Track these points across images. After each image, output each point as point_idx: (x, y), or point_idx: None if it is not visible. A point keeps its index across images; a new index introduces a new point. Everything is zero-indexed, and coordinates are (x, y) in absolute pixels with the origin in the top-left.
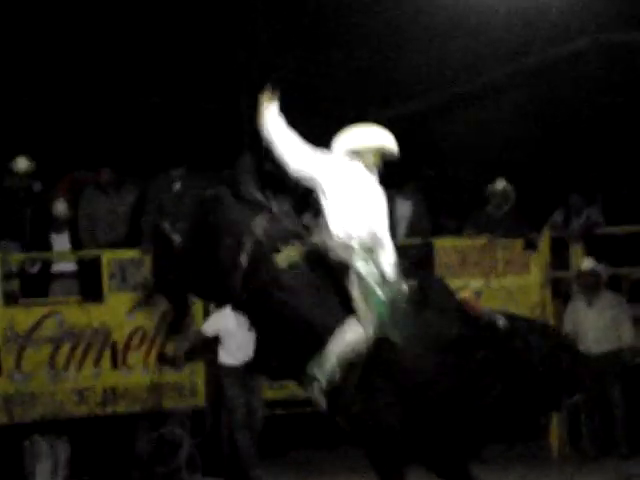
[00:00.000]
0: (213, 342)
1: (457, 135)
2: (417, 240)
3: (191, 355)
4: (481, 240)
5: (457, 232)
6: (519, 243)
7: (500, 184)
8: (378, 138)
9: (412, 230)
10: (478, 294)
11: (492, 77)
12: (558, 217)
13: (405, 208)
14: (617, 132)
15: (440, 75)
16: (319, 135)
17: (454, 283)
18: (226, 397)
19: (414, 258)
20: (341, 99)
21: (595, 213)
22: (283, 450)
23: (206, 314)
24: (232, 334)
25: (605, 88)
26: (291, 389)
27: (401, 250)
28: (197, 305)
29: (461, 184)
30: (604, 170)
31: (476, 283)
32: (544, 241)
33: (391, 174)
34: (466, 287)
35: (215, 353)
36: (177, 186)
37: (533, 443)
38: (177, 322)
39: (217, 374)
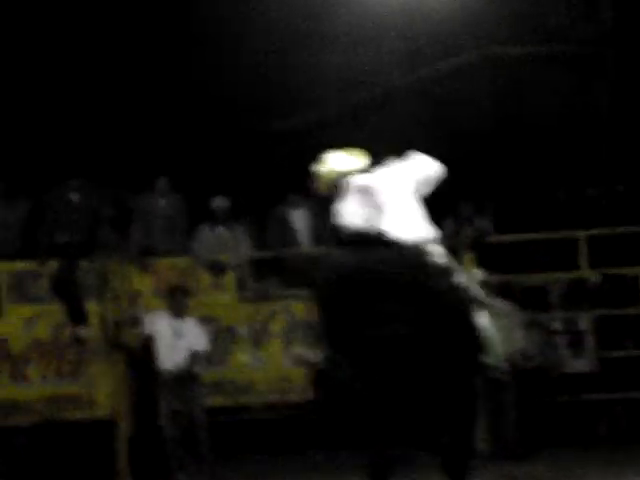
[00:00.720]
0: (150, 345)
1: (353, 145)
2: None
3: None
4: None
5: None
6: None
7: None
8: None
9: (315, 240)
10: None
11: (385, 88)
12: (448, 226)
13: (306, 219)
14: (506, 142)
15: (334, 86)
16: (220, 146)
17: None
18: (160, 407)
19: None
20: (238, 109)
21: (485, 222)
22: (226, 456)
23: None
24: (165, 340)
25: (493, 99)
26: (233, 396)
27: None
28: None
29: None
30: (494, 179)
31: None
32: None
33: (291, 185)
34: None
35: (151, 358)
36: (74, 197)
37: None
38: None
39: (145, 381)
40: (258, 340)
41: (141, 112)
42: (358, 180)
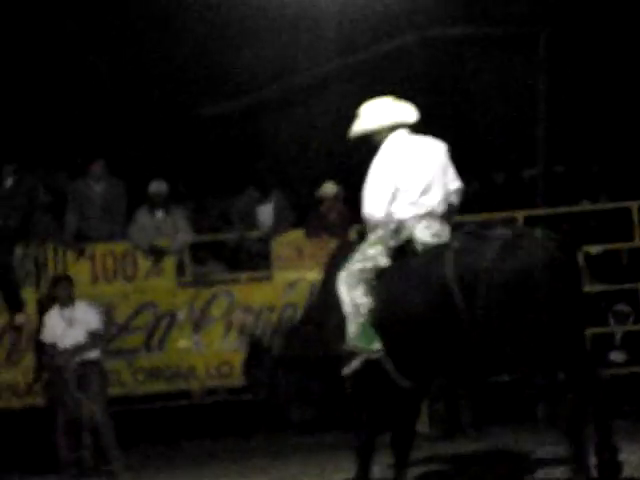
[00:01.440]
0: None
1: (286, 131)
2: (256, 233)
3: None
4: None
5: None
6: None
7: (329, 188)
8: (389, 115)
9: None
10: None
11: (320, 72)
12: None
13: (270, 214)
14: (443, 125)
15: (267, 71)
16: (151, 129)
17: (290, 275)
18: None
19: (253, 250)
20: (172, 94)
21: None
22: (166, 442)
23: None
24: (57, 331)
25: (431, 82)
26: (127, 386)
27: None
28: None
29: (294, 181)
30: None
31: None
32: None
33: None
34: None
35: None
36: (9, 182)
37: None
38: None
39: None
40: (198, 325)
41: (77, 96)
42: (405, 139)
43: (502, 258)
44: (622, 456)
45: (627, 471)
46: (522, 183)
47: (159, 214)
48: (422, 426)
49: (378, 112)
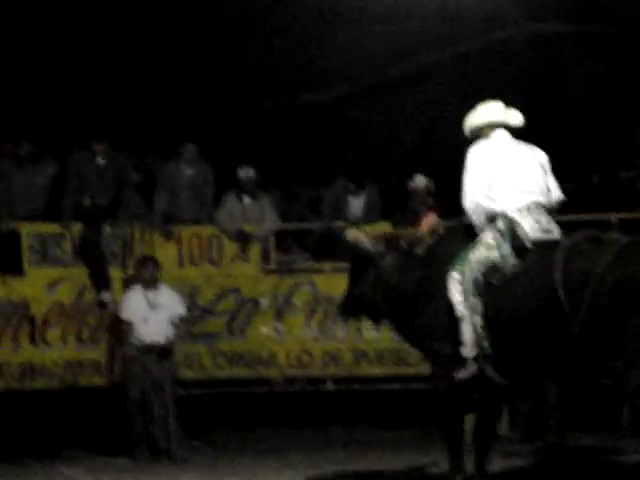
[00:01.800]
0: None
1: (378, 122)
2: (342, 224)
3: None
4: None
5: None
6: None
7: (421, 181)
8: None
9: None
10: None
11: (420, 63)
12: None
13: (362, 207)
14: (539, 121)
15: (368, 60)
16: (244, 121)
17: None
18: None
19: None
20: (266, 81)
21: None
22: (200, 430)
23: None
24: (140, 313)
25: (530, 78)
26: (207, 369)
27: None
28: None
29: (384, 172)
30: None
31: None
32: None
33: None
34: None
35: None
36: (100, 161)
37: None
38: None
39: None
40: (280, 312)
41: (171, 79)
42: (507, 138)
43: (614, 263)
44: None
45: None
46: (618, 184)
47: (247, 200)
48: (502, 428)
49: (488, 110)
